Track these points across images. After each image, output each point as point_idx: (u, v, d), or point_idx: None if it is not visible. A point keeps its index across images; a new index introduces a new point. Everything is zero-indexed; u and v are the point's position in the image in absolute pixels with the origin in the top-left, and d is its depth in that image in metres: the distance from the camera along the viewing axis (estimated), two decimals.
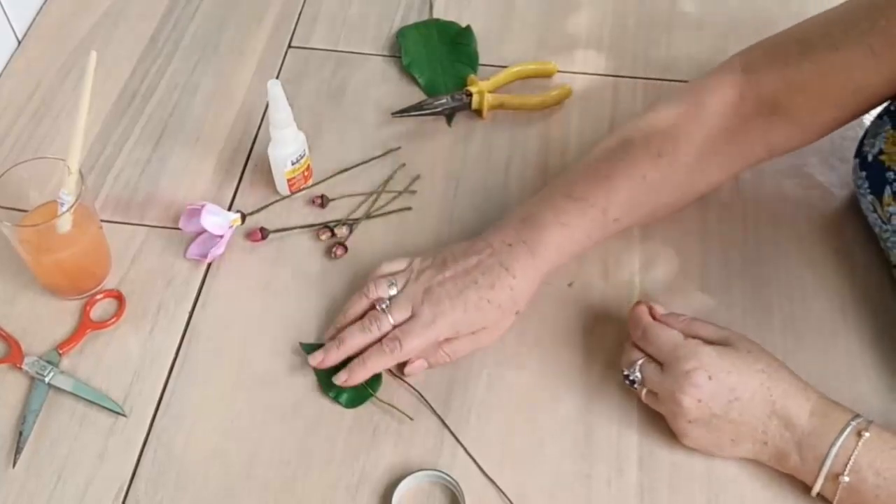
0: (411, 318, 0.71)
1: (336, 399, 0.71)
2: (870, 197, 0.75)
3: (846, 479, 0.61)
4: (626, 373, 0.68)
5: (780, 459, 0.65)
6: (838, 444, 0.62)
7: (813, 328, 0.76)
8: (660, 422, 0.70)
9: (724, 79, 0.75)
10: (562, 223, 0.72)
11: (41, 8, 1.02)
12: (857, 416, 0.63)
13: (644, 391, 0.68)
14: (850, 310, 0.77)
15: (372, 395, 0.72)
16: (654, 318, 0.70)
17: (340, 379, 0.71)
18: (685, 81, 0.92)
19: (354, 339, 0.71)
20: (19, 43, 0.98)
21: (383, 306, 0.72)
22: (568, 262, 0.75)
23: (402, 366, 0.72)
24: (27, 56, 0.97)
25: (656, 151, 0.74)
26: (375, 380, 0.72)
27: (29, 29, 1.00)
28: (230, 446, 0.70)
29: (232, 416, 0.72)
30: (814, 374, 0.73)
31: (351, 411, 0.72)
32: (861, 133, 0.80)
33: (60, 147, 0.87)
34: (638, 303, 0.71)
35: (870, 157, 0.75)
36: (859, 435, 0.62)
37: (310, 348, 0.74)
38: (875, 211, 0.75)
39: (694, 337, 0.67)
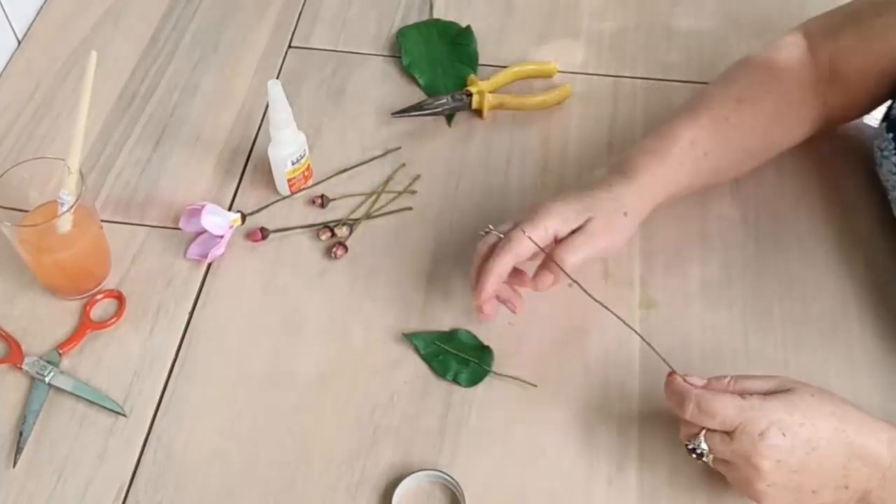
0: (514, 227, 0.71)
1: (455, 380, 0.73)
2: (894, 158, 0.77)
3: None
4: (690, 446, 0.62)
5: (861, 499, 0.61)
6: None
7: (813, 327, 0.76)
8: (660, 422, 0.70)
9: (795, 42, 0.81)
10: (652, 151, 0.75)
11: (41, 8, 1.02)
12: None
13: (712, 458, 0.62)
14: (851, 309, 0.77)
15: (489, 371, 0.73)
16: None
17: (481, 316, 0.72)
18: (685, 82, 0.93)
19: (476, 263, 0.72)
20: (19, 43, 0.98)
21: (486, 231, 0.72)
22: (667, 200, 0.76)
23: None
24: (27, 56, 0.97)
25: (736, 97, 0.78)
26: (488, 356, 0.74)
27: (29, 29, 1.00)
28: (230, 446, 0.70)
29: (232, 416, 0.72)
30: (814, 373, 0.73)
31: (351, 411, 0.72)
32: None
33: (60, 147, 0.87)
34: (670, 374, 0.64)
35: None
36: None
37: (413, 336, 0.75)
38: None
39: (747, 394, 0.62)
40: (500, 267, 0.70)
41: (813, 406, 0.61)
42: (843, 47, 0.78)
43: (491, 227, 0.72)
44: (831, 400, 0.62)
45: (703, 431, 0.61)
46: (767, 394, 0.61)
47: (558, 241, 0.71)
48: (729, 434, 0.61)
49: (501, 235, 0.71)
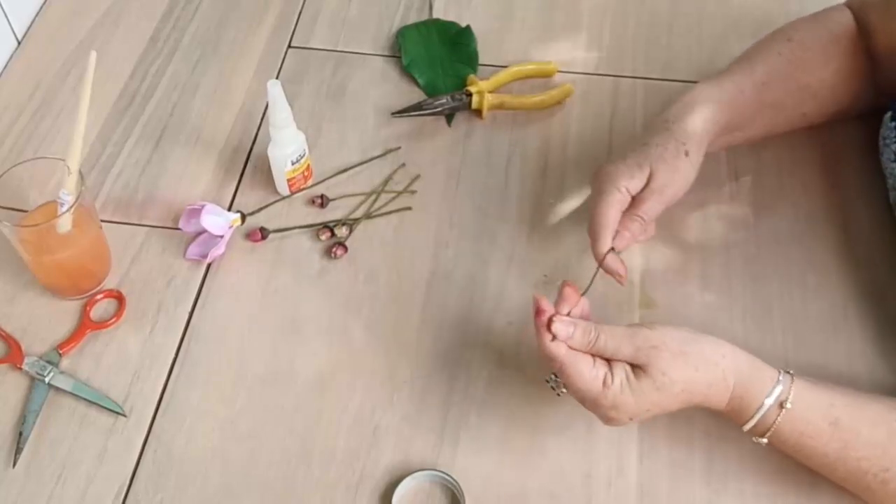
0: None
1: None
2: (894, 146, 0.77)
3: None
4: (547, 379, 0.67)
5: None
6: (758, 414, 0.63)
7: (813, 328, 0.76)
8: (660, 422, 0.70)
9: (840, 9, 0.84)
10: (710, 79, 0.79)
11: (41, 8, 1.02)
12: (773, 386, 0.63)
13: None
14: (851, 309, 0.77)
15: None
16: (553, 330, 0.63)
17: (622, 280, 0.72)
18: (685, 81, 0.93)
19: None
20: (19, 43, 0.98)
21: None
22: (729, 128, 0.78)
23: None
24: (27, 56, 0.97)
25: (786, 37, 0.82)
26: None
27: (29, 29, 1.00)
28: (230, 446, 0.70)
29: (232, 416, 0.72)
30: (814, 374, 0.73)
31: (351, 411, 0.72)
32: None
33: (60, 147, 0.87)
34: (538, 312, 0.64)
35: None
36: (781, 405, 0.62)
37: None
38: (895, 161, 0.77)
39: (606, 358, 0.63)
40: (603, 247, 0.71)
41: (662, 392, 0.62)
42: (872, 23, 0.80)
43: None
44: (683, 376, 0.62)
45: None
46: (624, 360, 0.63)
47: (633, 198, 0.73)
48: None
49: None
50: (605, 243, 0.71)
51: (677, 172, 0.73)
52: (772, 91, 0.79)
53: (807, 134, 0.86)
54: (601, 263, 0.71)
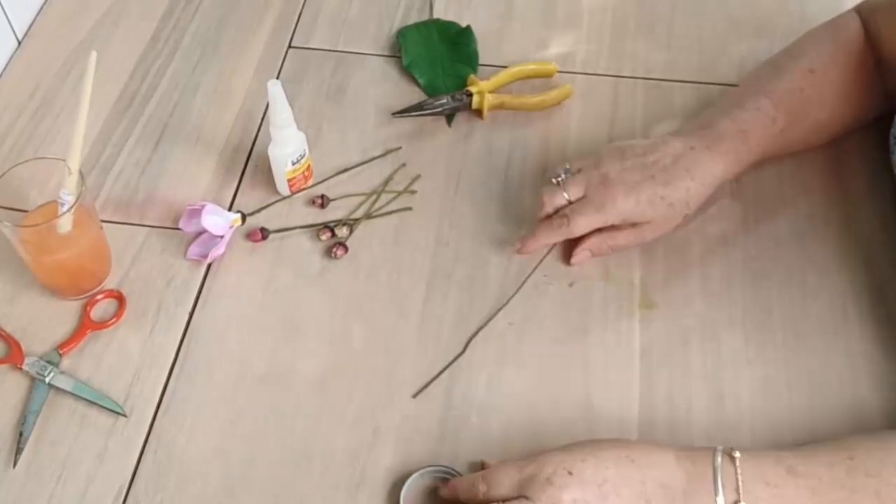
0: (583, 198, 0.75)
1: None
2: None
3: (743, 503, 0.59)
4: None
5: None
6: (719, 472, 0.59)
7: (813, 328, 0.76)
8: (659, 423, 0.70)
9: (852, 18, 0.82)
10: (740, 129, 0.77)
11: (41, 8, 1.02)
12: (714, 447, 0.61)
13: None
14: (851, 309, 0.77)
15: None
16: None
17: (515, 247, 0.77)
18: (685, 82, 0.93)
19: (538, 220, 0.77)
20: (19, 43, 0.98)
21: (558, 179, 0.76)
22: (741, 174, 0.79)
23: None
24: (27, 56, 0.97)
25: (808, 68, 0.80)
26: None
27: (29, 29, 1.00)
28: (230, 446, 0.70)
29: (232, 416, 0.72)
30: (814, 374, 0.73)
31: (351, 411, 0.72)
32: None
33: (60, 147, 0.87)
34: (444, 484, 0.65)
35: None
36: (732, 456, 0.60)
37: None
38: None
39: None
40: (548, 240, 0.77)
41: (591, 445, 0.62)
42: (881, 29, 0.80)
43: (562, 175, 0.76)
44: (609, 440, 0.64)
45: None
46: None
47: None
48: (524, 496, 0.60)
49: (567, 197, 0.75)
50: (548, 242, 0.77)
51: (669, 226, 0.76)
52: (787, 134, 0.79)
53: None
54: (520, 251, 0.77)
